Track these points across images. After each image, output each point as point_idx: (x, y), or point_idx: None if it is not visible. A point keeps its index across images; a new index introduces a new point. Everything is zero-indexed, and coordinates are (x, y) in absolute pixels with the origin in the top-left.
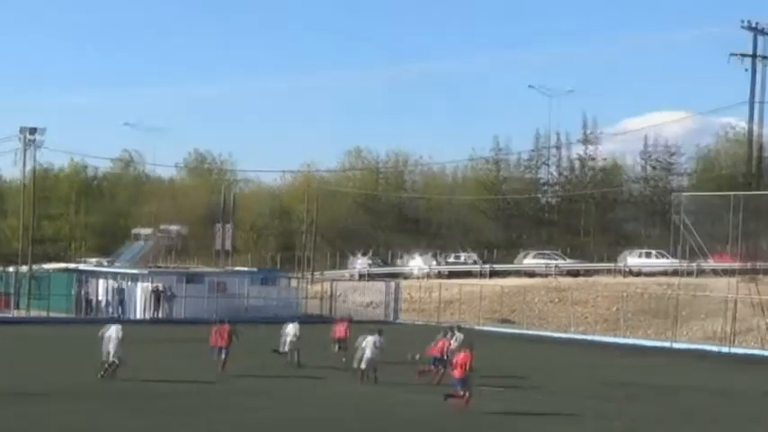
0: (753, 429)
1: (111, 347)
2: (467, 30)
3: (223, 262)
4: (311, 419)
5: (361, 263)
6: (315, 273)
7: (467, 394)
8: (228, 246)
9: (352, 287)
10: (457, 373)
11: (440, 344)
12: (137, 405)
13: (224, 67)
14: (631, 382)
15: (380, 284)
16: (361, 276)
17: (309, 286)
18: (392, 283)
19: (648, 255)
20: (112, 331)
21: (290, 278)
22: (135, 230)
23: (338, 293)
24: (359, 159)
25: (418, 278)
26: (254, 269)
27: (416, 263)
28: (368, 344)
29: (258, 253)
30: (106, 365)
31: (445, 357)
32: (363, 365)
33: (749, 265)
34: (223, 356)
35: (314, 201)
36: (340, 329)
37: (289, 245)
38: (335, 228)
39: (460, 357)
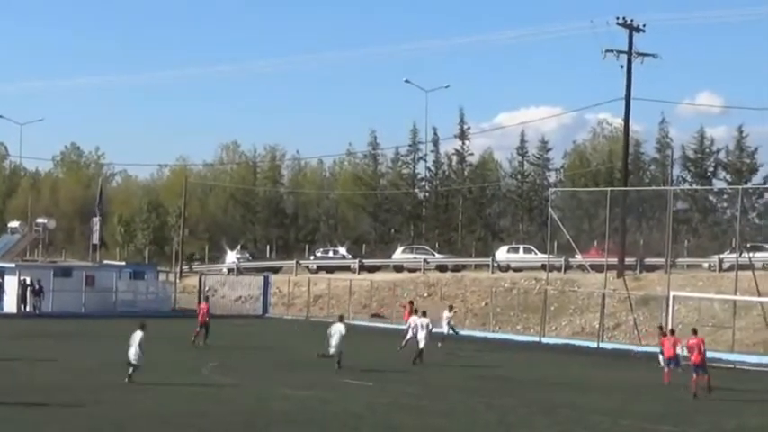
0: (620, 423)
1: (133, 352)
2: (343, 24)
3: (95, 256)
4: (183, 414)
5: (230, 257)
6: (188, 266)
7: None
8: (98, 239)
9: (223, 281)
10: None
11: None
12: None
13: (100, 61)
14: (501, 377)
15: (250, 279)
16: (231, 271)
17: (180, 281)
18: (262, 278)
19: (516, 250)
20: (137, 337)
21: (159, 272)
22: (10, 224)
23: (208, 288)
24: (235, 154)
25: (230, 272)
26: (124, 263)
27: (230, 258)
28: (336, 331)
29: (132, 247)
30: (131, 369)
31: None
32: (333, 351)
33: (619, 260)
34: (201, 330)
35: (188, 195)
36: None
37: (162, 239)
38: (210, 222)
39: None
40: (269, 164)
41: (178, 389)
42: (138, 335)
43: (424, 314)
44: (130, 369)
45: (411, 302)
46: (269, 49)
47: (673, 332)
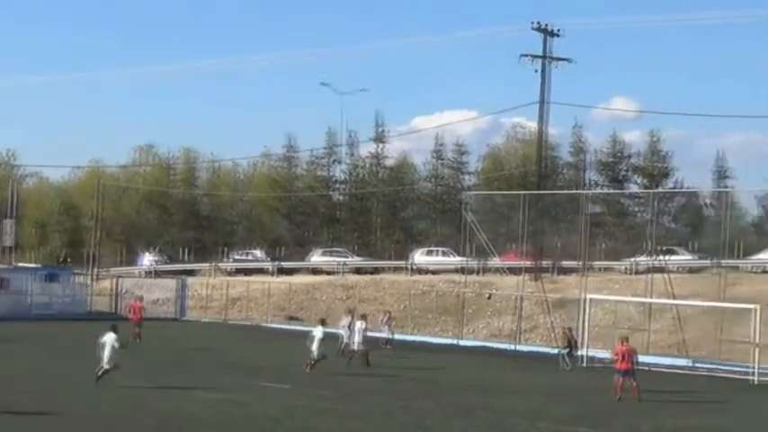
0: (537, 426)
1: (106, 354)
2: (260, 26)
3: (8, 258)
4: (95, 417)
5: (146, 260)
6: (103, 269)
7: None
8: (12, 242)
9: (139, 284)
10: None
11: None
12: None
13: (12, 61)
14: (418, 379)
15: (167, 281)
16: (148, 273)
17: (96, 283)
18: (178, 281)
19: (433, 252)
20: (109, 339)
21: (75, 275)
22: None
23: (124, 290)
24: (149, 155)
25: (146, 274)
26: (39, 265)
27: (146, 261)
28: (317, 333)
29: (46, 249)
30: (100, 370)
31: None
32: (316, 354)
33: (535, 263)
34: (138, 330)
35: (103, 196)
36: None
37: (77, 241)
38: (125, 224)
39: None
40: (184, 165)
41: (92, 392)
42: (110, 337)
43: (364, 317)
44: (99, 371)
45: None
46: (183, 51)
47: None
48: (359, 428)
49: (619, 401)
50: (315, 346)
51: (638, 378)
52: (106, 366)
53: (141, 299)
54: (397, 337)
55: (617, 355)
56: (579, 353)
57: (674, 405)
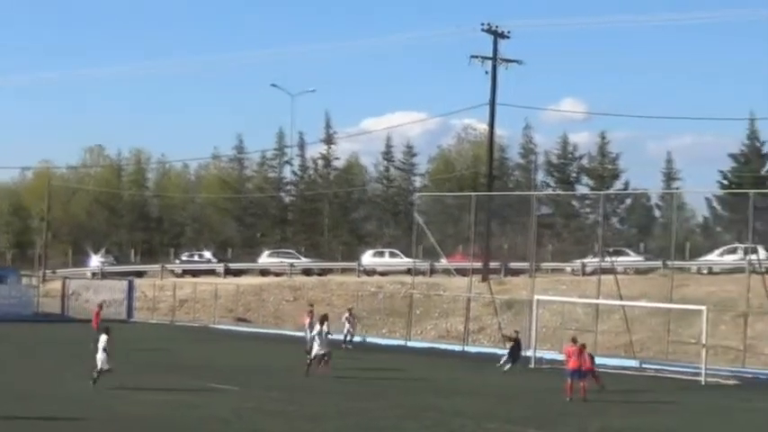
0: (486, 426)
1: (99, 356)
2: (209, 27)
3: None
4: (40, 419)
5: (94, 261)
6: (51, 270)
7: None
8: None
9: (86, 285)
10: None
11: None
12: None
13: None
14: (367, 380)
15: (115, 283)
16: (96, 275)
17: (44, 285)
18: (126, 282)
19: (382, 254)
20: (101, 340)
21: (22, 276)
22: None
23: (71, 292)
24: (99, 156)
25: (94, 275)
26: None
27: (94, 262)
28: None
29: None
30: (95, 373)
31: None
32: (323, 350)
33: (484, 264)
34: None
35: (51, 198)
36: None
37: (24, 242)
38: (74, 225)
39: None
40: (134, 167)
41: (38, 395)
42: (102, 338)
43: (326, 318)
44: (95, 374)
45: (311, 306)
46: (133, 52)
47: (574, 340)
48: (309, 430)
49: (569, 402)
50: (320, 342)
51: (587, 380)
52: (104, 368)
53: (101, 304)
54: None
55: (567, 354)
56: (526, 354)
57: (623, 406)
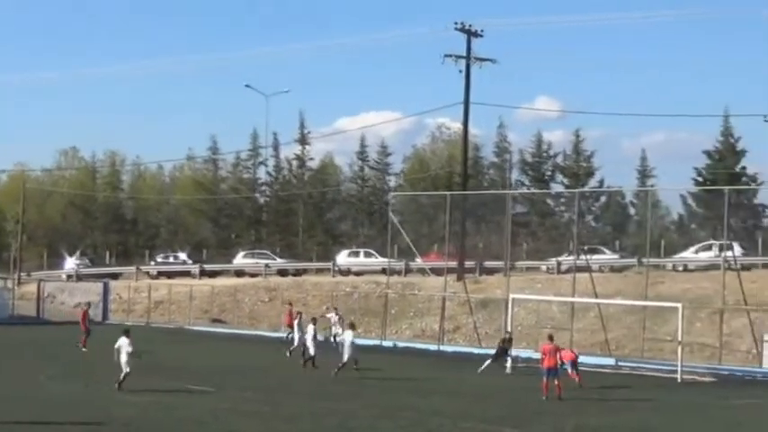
0: (461, 426)
1: (123, 360)
2: (183, 28)
3: None
4: (20, 423)
5: (69, 263)
6: (26, 273)
7: None
8: None
9: (62, 287)
10: None
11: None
12: None
13: None
14: (342, 380)
15: (90, 285)
16: (70, 277)
17: (19, 287)
18: (101, 284)
19: (357, 254)
20: (122, 343)
21: None
22: None
23: (46, 294)
24: (74, 159)
25: (69, 278)
26: None
27: (69, 264)
28: (347, 338)
29: None
30: (123, 375)
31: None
32: (346, 357)
33: (459, 263)
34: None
35: (26, 200)
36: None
37: (0, 246)
38: (49, 228)
39: None
40: (108, 169)
41: (15, 397)
42: (123, 341)
43: (314, 320)
44: (122, 376)
45: (291, 304)
46: (109, 53)
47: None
48: (285, 431)
49: (545, 400)
50: (347, 349)
51: (562, 378)
52: (127, 370)
53: (87, 305)
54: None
55: (543, 353)
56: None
57: (599, 404)
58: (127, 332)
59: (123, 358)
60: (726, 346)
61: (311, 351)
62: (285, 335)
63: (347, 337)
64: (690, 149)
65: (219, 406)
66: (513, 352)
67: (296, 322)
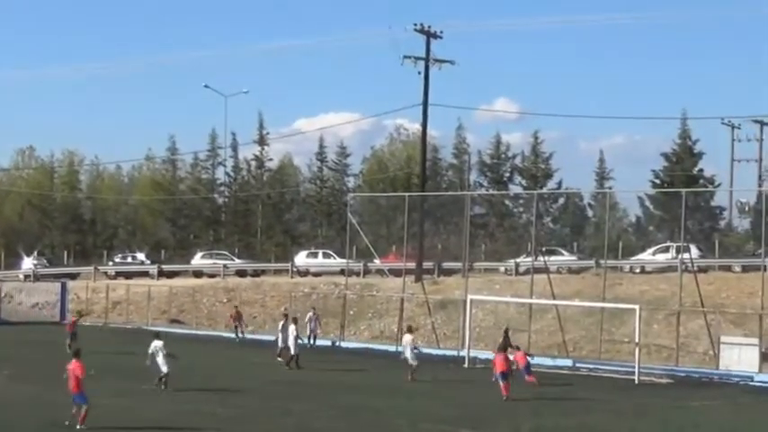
0: (420, 426)
1: (161, 361)
2: (142, 28)
3: None
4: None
5: (27, 263)
6: None
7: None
8: None
9: (19, 288)
10: None
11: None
12: None
13: None
14: (299, 381)
15: (48, 285)
16: (28, 277)
17: None
18: (59, 284)
19: (315, 255)
20: (157, 346)
21: None
22: None
23: (4, 294)
24: (31, 158)
25: (26, 278)
26: None
27: (27, 264)
28: (406, 343)
29: None
30: (161, 378)
31: None
32: (413, 362)
33: (417, 264)
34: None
35: None
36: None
37: None
38: (6, 227)
39: None
40: (66, 169)
41: None
42: (158, 344)
43: (295, 321)
44: (163, 377)
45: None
46: (66, 53)
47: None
48: None
49: (505, 401)
50: (409, 354)
51: (520, 379)
52: (165, 370)
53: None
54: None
55: (494, 363)
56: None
57: (556, 405)
58: (158, 335)
59: (160, 360)
60: (683, 348)
61: (292, 351)
62: (235, 335)
63: (406, 340)
64: (647, 152)
65: (179, 408)
66: (472, 353)
67: (280, 324)
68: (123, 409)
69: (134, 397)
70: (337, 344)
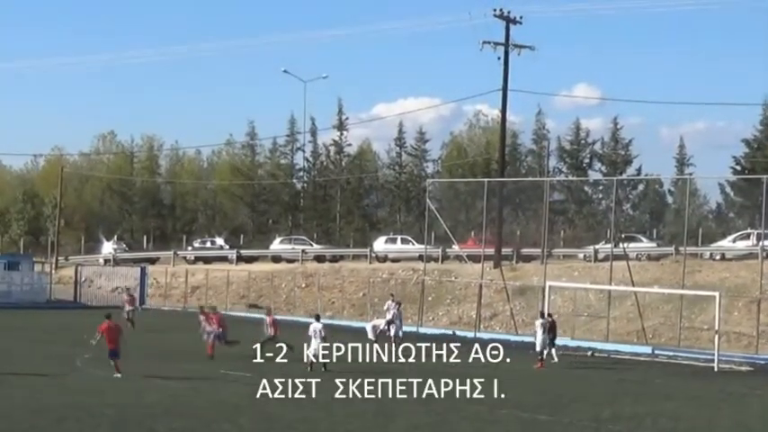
0: (497, 413)
1: (315, 345)
2: (221, 14)
3: None
4: (56, 406)
5: (107, 248)
6: (63, 257)
7: None
8: None
9: (99, 272)
10: None
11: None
12: None
13: None
14: (370, 370)
15: (127, 269)
16: (107, 261)
17: (56, 272)
18: (139, 269)
19: (394, 240)
20: (317, 329)
21: (35, 263)
22: None
23: (84, 279)
24: (111, 143)
25: (106, 262)
26: None
27: (106, 249)
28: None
29: (7, 238)
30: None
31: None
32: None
33: (496, 250)
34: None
35: (64, 185)
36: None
37: (37, 229)
38: (86, 212)
39: None
40: (146, 154)
41: (51, 381)
42: (317, 326)
43: (317, 318)
44: (314, 360)
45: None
46: (145, 38)
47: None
48: (318, 417)
49: (582, 389)
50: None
51: (599, 365)
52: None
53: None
54: (354, 324)
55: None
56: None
57: (634, 392)
58: (318, 317)
59: (315, 343)
60: (763, 336)
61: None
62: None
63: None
64: (728, 138)
65: (256, 391)
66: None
67: (393, 311)
68: (198, 392)
69: (210, 380)
70: (417, 330)
